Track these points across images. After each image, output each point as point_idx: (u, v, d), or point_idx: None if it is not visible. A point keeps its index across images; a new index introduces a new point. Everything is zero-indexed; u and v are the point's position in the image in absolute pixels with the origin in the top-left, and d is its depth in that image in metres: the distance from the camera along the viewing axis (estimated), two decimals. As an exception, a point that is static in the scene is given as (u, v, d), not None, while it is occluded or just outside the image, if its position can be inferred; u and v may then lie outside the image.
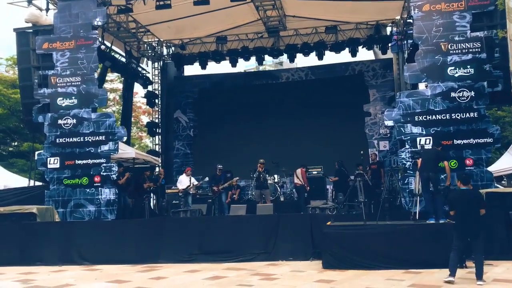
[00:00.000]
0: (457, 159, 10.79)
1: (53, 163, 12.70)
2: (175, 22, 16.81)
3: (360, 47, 17.88)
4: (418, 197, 9.94)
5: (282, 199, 15.40)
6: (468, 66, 11.04)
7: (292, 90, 19.12)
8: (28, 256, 10.85)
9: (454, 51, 11.13)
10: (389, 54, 18.17)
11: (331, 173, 15.21)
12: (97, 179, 12.40)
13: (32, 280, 8.88)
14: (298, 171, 14.51)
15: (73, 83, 12.89)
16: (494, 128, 10.96)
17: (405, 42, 17.06)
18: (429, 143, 10.93)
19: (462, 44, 11.11)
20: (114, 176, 12.45)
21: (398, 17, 17.03)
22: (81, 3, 13.05)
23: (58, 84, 12.93)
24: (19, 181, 16.34)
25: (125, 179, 13.37)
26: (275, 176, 15.71)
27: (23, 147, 22.38)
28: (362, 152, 14.08)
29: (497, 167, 14.90)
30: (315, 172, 15.39)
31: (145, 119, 29.89)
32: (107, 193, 12.34)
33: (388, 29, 18.24)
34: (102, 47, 15.92)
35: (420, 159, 9.84)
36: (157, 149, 19.63)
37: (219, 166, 14.34)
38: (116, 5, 14.28)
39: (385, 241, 8.96)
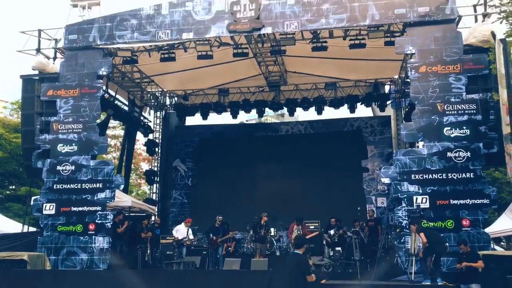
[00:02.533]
0: (454, 219, 10.74)
1: (49, 209, 12.65)
2: (179, 73, 17.21)
3: (358, 104, 18.24)
4: (414, 257, 9.81)
5: (278, 253, 15.17)
6: (464, 127, 11.20)
7: (291, 143, 19.25)
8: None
9: (450, 112, 11.33)
10: (387, 111, 18.47)
11: (325, 227, 15.01)
12: (91, 226, 12.32)
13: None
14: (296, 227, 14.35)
15: (74, 130, 13.04)
16: (491, 189, 10.97)
17: (403, 100, 17.41)
18: (426, 202, 10.93)
19: (458, 106, 11.33)
20: (109, 224, 12.36)
21: (396, 76, 17.46)
22: (88, 53, 13.42)
23: (60, 131, 13.09)
24: (13, 226, 16.21)
25: (124, 227, 13.25)
26: (272, 229, 15.56)
27: (21, 191, 22.33)
28: (359, 208, 14.03)
29: (495, 228, 14.79)
30: (312, 227, 15.23)
31: (145, 166, 30.01)
32: (101, 242, 12.21)
33: (387, 87, 18.65)
34: (106, 95, 16.22)
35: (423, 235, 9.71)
36: (154, 198, 19.56)
37: (219, 218, 14.22)
38: (122, 56, 14.67)
39: (380, 302, 8.79)
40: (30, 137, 13.39)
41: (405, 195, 11.15)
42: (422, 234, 9.52)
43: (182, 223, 14.57)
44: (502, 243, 16.79)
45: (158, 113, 20.27)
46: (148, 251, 14.82)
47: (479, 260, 9.23)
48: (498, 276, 9.26)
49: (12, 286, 10.82)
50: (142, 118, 19.32)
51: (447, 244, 9.75)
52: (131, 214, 15.55)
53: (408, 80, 12.89)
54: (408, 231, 10.66)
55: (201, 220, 16.57)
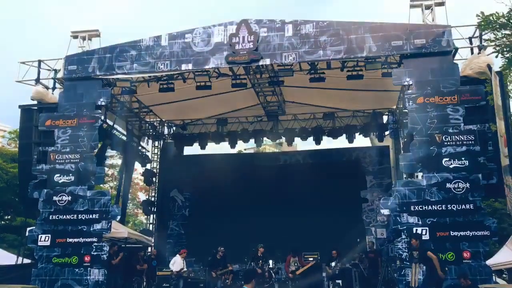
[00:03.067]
0: (454, 251, 10.60)
1: (44, 240, 12.47)
2: (177, 103, 17.27)
3: (357, 134, 18.28)
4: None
5: (276, 286, 14.88)
6: (463, 158, 11.19)
7: (289, 173, 19.14)
8: None
9: (448, 143, 11.34)
10: (386, 142, 18.49)
11: (326, 260, 14.80)
12: (87, 258, 12.13)
13: None
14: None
15: (71, 160, 12.98)
16: (491, 220, 10.87)
17: (401, 130, 17.44)
18: (426, 234, 10.80)
19: (456, 136, 11.34)
20: (105, 256, 12.16)
21: (394, 107, 17.54)
22: (87, 84, 13.49)
23: (57, 161, 13.02)
24: (7, 258, 15.93)
25: (119, 259, 13.05)
26: (270, 261, 15.31)
27: (16, 221, 22.08)
28: (358, 240, 13.86)
29: (496, 261, 14.59)
30: (311, 259, 15.00)
31: (142, 196, 29.82)
32: (96, 274, 11.99)
33: (385, 118, 18.71)
34: (104, 125, 16.21)
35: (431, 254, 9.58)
36: (151, 228, 19.35)
37: (221, 249, 14.04)
38: (121, 87, 14.75)
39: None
40: (27, 167, 13.31)
41: (405, 227, 11.03)
42: (430, 253, 9.36)
43: (177, 255, 14.40)
44: (504, 276, 16.57)
45: (156, 142, 20.26)
46: (144, 283, 14.54)
47: None
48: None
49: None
50: (140, 148, 19.27)
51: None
52: (127, 245, 15.33)
53: (406, 110, 12.93)
54: (408, 263, 10.50)
55: (198, 251, 16.37)
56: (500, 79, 9.33)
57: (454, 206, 10.97)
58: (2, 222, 24.01)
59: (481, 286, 9.51)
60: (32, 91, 13.80)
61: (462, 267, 10.44)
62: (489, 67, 10.55)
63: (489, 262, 11.86)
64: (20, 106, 13.96)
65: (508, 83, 10.30)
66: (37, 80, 14.02)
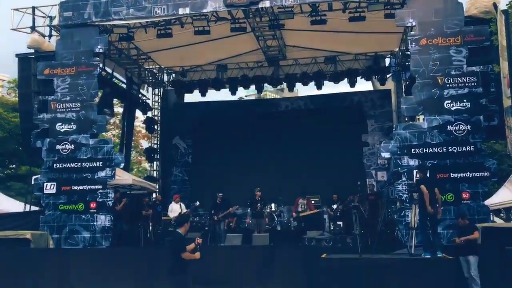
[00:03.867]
0: (454, 192, 10.76)
1: (50, 188, 12.68)
2: (176, 49, 17.02)
3: (358, 78, 18.10)
4: (414, 231, 9.87)
5: (279, 228, 15.28)
6: (465, 100, 11.13)
7: (291, 119, 19.17)
8: (21, 283, 10.71)
9: (451, 85, 11.24)
10: (388, 85, 18.34)
11: (328, 203, 15.10)
12: (93, 205, 12.37)
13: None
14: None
15: (72, 109, 12.98)
16: (491, 162, 10.97)
17: (403, 73, 17.25)
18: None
19: (458, 78, 11.23)
20: (110, 202, 12.42)
21: (397, 49, 17.28)
22: (83, 31, 13.23)
23: (58, 110, 13.02)
24: (15, 205, 16.28)
25: (122, 205, 13.32)
26: (272, 204, 15.64)
27: (21, 170, 22.35)
28: (359, 183, 14.07)
29: (495, 200, 14.81)
30: (313, 202, 15.33)
31: (144, 144, 30.00)
32: (103, 220, 12.28)
33: (387, 60, 18.47)
34: (103, 73, 16.07)
35: (423, 187, 9.65)
36: (154, 175, 19.61)
37: (219, 195, 14.31)
38: (118, 33, 14.47)
39: (380, 275, 8.88)
40: (28, 117, 13.34)
41: (405, 169, 11.15)
42: (423, 186, 9.50)
43: (172, 202, 14.71)
44: (501, 215, 16.90)
45: (156, 90, 20.15)
46: (150, 228, 14.93)
47: (475, 231, 9.25)
48: (496, 248, 9.33)
49: (17, 264, 10.95)
50: (140, 95, 19.20)
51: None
52: (132, 192, 15.61)
53: (409, 53, 12.74)
54: (408, 205, 10.70)
55: (203, 196, 16.64)
56: (506, 18, 9.13)
57: (454, 148, 11.03)
58: (8, 171, 24.32)
59: (479, 225, 9.71)
60: (28, 39, 13.59)
61: (461, 207, 10.64)
62: (495, 5, 10.27)
63: (487, 202, 12.04)
64: (17, 55, 13.80)
65: (514, 22, 10.11)
66: (33, 28, 13.75)
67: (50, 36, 14.02)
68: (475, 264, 8.96)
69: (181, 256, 7.09)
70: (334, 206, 14.16)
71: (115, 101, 23.29)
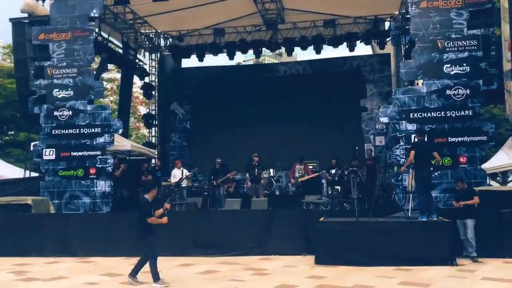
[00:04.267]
0: (451, 156, 10.83)
1: (49, 154, 12.70)
2: (172, 13, 16.73)
3: (358, 42, 17.88)
4: (411, 194, 9.99)
5: (277, 193, 15.43)
6: (464, 64, 11.05)
7: (289, 84, 19.09)
8: (22, 248, 10.89)
9: (451, 49, 11.13)
10: (387, 49, 18.16)
11: (327, 168, 15.19)
12: (92, 171, 12.42)
13: (26, 272, 8.94)
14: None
15: (69, 75, 12.86)
16: (489, 126, 10.98)
17: (403, 37, 17.05)
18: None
19: (458, 42, 11.11)
20: (109, 168, 12.48)
21: (397, 12, 17.00)
22: (78, -6, 12.97)
23: (54, 76, 12.90)
24: (15, 171, 16.39)
25: (120, 171, 13.40)
26: (271, 170, 15.74)
27: (20, 137, 22.36)
28: (357, 148, 14.12)
29: (491, 164, 14.98)
30: (311, 167, 15.43)
31: (143, 110, 29.90)
32: (102, 185, 12.36)
33: (387, 24, 18.21)
34: (99, 38, 15.84)
35: (412, 153, 9.69)
36: (153, 141, 19.65)
37: (218, 160, 14.40)
38: (113, -4, 14.20)
39: (377, 238, 9.03)
40: (25, 83, 13.22)
41: (403, 134, 11.18)
42: (411, 152, 9.54)
43: (175, 168, 14.83)
44: (498, 178, 17.09)
45: (153, 55, 19.92)
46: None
47: (475, 196, 9.37)
48: (493, 211, 9.49)
49: (19, 229, 11.09)
50: (137, 61, 18.99)
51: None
52: (131, 158, 15.66)
53: (409, 16, 12.53)
54: (405, 169, 10.74)
55: (202, 162, 16.79)
56: (508, -21, 8.94)
57: (453, 113, 11.02)
58: (6, 137, 24.32)
59: (475, 188, 9.82)
60: (21, 3, 13.32)
61: (458, 171, 10.73)
62: (497, -34, 10.04)
63: (484, 165, 12.16)
64: (10, 20, 13.55)
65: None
66: (25, -9, 13.46)
67: (43, 0, 13.74)
68: (472, 227, 9.13)
69: (146, 221, 7.57)
70: (333, 171, 14.25)
71: (112, 66, 23.14)
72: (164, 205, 7.96)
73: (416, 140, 10.06)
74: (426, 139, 10.06)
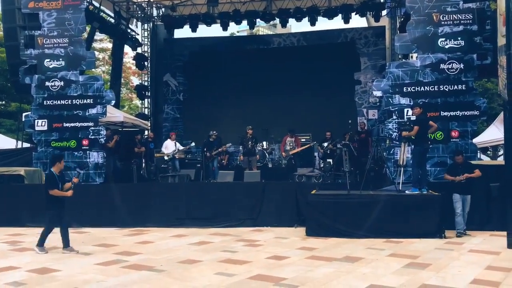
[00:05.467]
0: (443, 131, 10.87)
1: (41, 125, 12.61)
2: (165, -18, 16.44)
3: (353, 14, 17.69)
4: (402, 168, 10.08)
5: (270, 165, 15.52)
6: (459, 38, 10.99)
7: (283, 56, 18.97)
8: (16, 218, 10.97)
9: (446, 22, 11.04)
10: (382, 22, 18.01)
11: (320, 141, 15.25)
12: (85, 142, 12.37)
13: (20, 242, 9.02)
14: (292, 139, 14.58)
15: (60, 45, 12.65)
16: (481, 101, 11.03)
17: (398, 9, 16.91)
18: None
19: (454, 15, 11.01)
20: (102, 139, 12.44)
21: (393, -16, 16.81)
22: (68, -39, 12.66)
23: (45, 45, 12.68)
24: (6, 142, 16.31)
25: (114, 142, 13.36)
26: (264, 142, 15.77)
27: (11, 107, 22.17)
28: (350, 121, 14.16)
29: (483, 139, 15.08)
30: (304, 140, 15.49)
31: (135, 80, 29.64)
32: (95, 157, 12.34)
33: (382, -4, 18.01)
34: (90, 7, 15.56)
35: (416, 128, 9.69)
36: (146, 112, 19.57)
37: (213, 132, 14.39)
38: (104, -36, 13.88)
39: (367, 211, 9.16)
40: (15, 52, 13.01)
41: (396, 108, 11.19)
42: (416, 128, 9.53)
43: (168, 139, 14.88)
44: (488, 152, 17.26)
45: (146, 25, 19.64)
46: (143, 165, 15.09)
47: (475, 169, 9.28)
48: (482, 185, 9.61)
49: (13, 199, 11.13)
50: (129, 31, 18.72)
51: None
52: (124, 129, 15.61)
53: (405, -12, 12.39)
54: (397, 143, 10.84)
55: (195, 134, 16.80)
56: (506, -48, 8.81)
57: (446, 87, 11.02)
58: (-3, 108, 24.12)
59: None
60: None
61: (449, 145, 10.82)
62: None
63: (475, 140, 12.26)
64: (-1, -13, 13.25)
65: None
66: (13, -43, 13.12)
67: (33, -33, 13.39)
68: (469, 202, 9.17)
69: (49, 193, 7.92)
70: (325, 144, 14.31)
71: (104, 36, 22.82)
72: (72, 179, 8.31)
73: (416, 114, 10.02)
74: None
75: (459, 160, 9.40)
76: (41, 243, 8.04)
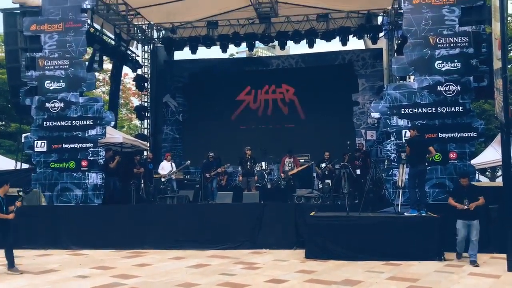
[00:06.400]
0: (441, 152, 10.91)
1: (40, 146, 12.64)
2: (165, 5, 16.65)
3: (350, 36, 17.89)
4: (401, 190, 10.08)
5: (269, 186, 15.52)
6: (456, 61, 11.11)
7: (282, 77, 19.15)
8: (13, 240, 10.84)
9: (442, 45, 11.18)
10: (379, 44, 18.23)
11: (318, 161, 15.28)
12: (84, 163, 12.37)
13: (16, 265, 8.91)
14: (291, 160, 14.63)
15: (61, 66, 12.76)
16: (479, 122, 11.09)
17: (395, 31, 17.12)
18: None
19: (450, 38, 11.16)
20: (101, 160, 12.45)
21: (390, 7, 17.05)
22: (70, -15, 12.87)
23: (46, 67, 12.79)
24: (5, 163, 16.31)
25: (115, 162, 13.38)
26: (263, 163, 15.83)
27: (11, 128, 22.22)
28: (348, 142, 14.22)
29: (481, 160, 15.13)
30: (303, 160, 15.52)
31: (135, 101, 29.77)
32: (94, 178, 12.33)
33: (380, 19, 18.26)
34: (91, 29, 15.74)
35: (408, 149, 9.79)
36: (145, 133, 19.62)
37: (210, 154, 14.44)
38: (106, -12, 14.10)
39: (366, 233, 9.14)
40: (16, 74, 13.10)
41: (394, 129, 11.25)
42: (407, 148, 9.64)
43: (164, 160, 14.91)
44: (487, 173, 17.28)
45: (146, 47, 19.82)
46: (142, 186, 15.08)
47: (480, 195, 8.82)
48: (481, 207, 9.57)
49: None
50: (129, 52, 18.90)
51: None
52: (123, 150, 15.64)
53: (401, 11, 12.58)
54: (396, 164, 10.87)
55: (194, 154, 16.81)
56: (499, -22, 8.98)
57: (443, 109, 11.10)
58: (-3, 128, 24.17)
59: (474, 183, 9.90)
60: (13, -7, 13.21)
61: (447, 167, 10.85)
62: (489, -36, 10.10)
63: (473, 161, 12.27)
64: (1, 10, 13.43)
65: (508, -18, 9.96)
66: (17, -18, 13.33)
67: (35, -10, 13.61)
68: (478, 228, 8.69)
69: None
70: (323, 165, 14.34)
71: (104, 57, 23.02)
72: (16, 202, 8.42)
73: (411, 136, 10.13)
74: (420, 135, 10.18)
75: (464, 183, 9.02)
76: (11, 265, 8.20)
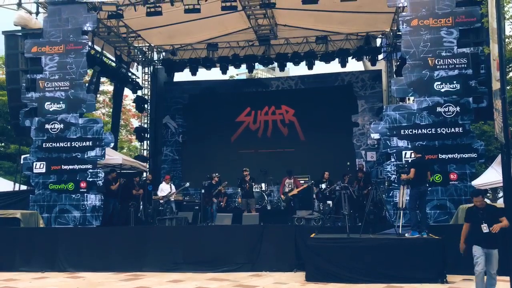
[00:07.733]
0: (442, 173, 10.88)
1: (39, 167, 12.62)
2: (166, 28, 16.81)
3: (349, 58, 18.04)
4: (402, 211, 10.00)
5: (269, 207, 15.41)
6: (454, 82, 11.17)
7: (281, 99, 19.22)
8: (10, 262, 10.78)
9: (441, 67, 11.26)
10: (379, 66, 18.36)
11: (318, 183, 15.21)
12: (83, 184, 12.34)
13: (13, 288, 8.82)
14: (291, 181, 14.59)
15: (61, 88, 12.83)
16: (479, 143, 11.08)
17: (394, 53, 17.24)
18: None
19: (449, 60, 11.25)
20: (100, 182, 12.40)
21: (388, 29, 17.22)
22: (71, 8, 13.01)
23: (46, 89, 12.87)
24: (4, 184, 16.20)
25: (117, 185, 13.33)
26: (263, 184, 15.76)
27: (10, 149, 22.17)
28: (348, 163, 14.18)
29: (482, 181, 15.00)
30: (303, 181, 15.45)
31: (135, 122, 29.81)
32: (93, 199, 12.28)
33: (378, 41, 18.42)
34: (92, 51, 15.86)
35: (413, 171, 9.71)
36: (145, 154, 19.58)
37: (216, 175, 14.39)
38: (107, 11, 14.24)
39: (368, 255, 9.01)
40: (16, 95, 13.16)
41: (394, 150, 11.24)
42: (413, 170, 9.53)
43: (163, 182, 14.88)
44: (488, 195, 17.16)
45: (146, 69, 19.97)
46: (141, 207, 14.98)
47: (501, 217, 6.92)
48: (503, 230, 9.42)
49: (7, 243, 10.97)
50: (130, 74, 19.01)
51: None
52: (122, 171, 15.58)
53: (400, 33, 12.69)
54: (396, 185, 10.81)
55: (193, 175, 16.77)
56: (497, 0, 9.07)
57: (443, 130, 11.11)
58: (-4, 150, 24.09)
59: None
60: (14, 16, 13.33)
61: (448, 188, 10.79)
62: (486, -13, 10.20)
63: (474, 182, 12.23)
64: (3, 32, 13.54)
65: (505, 4, 10.08)
66: (19, 4, 13.50)
67: (37, 13, 13.78)
68: (497, 258, 7.00)
69: None
70: (323, 186, 14.27)
71: (105, 79, 23.16)
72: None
73: (414, 158, 10.12)
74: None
75: (479, 204, 7.03)
76: None
